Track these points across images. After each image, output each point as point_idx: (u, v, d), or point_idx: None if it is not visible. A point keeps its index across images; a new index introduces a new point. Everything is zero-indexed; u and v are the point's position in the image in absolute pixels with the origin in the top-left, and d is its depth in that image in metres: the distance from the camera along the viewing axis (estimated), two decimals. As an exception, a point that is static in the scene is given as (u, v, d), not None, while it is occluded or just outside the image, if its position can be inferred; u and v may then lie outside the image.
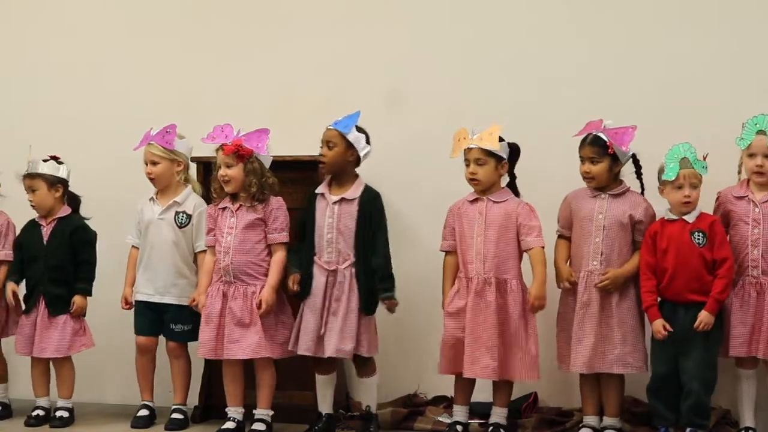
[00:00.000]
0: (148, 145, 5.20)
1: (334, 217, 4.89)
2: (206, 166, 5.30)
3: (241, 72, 5.77)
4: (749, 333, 4.67)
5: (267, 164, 4.97)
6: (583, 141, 4.86)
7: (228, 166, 4.91)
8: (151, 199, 5.28)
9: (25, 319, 5.28)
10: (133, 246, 5.33)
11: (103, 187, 5.52)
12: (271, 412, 5.02)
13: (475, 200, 4.92)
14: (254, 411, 5.00)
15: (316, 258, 4.91)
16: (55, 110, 5.95)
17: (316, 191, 4.96)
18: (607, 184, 4.87)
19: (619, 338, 4.76)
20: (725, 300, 4.65)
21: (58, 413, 5.27)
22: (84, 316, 5.28)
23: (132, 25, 5.93)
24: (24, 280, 5.36)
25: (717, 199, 4.84)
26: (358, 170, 4.98)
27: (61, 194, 5.31)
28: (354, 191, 4.91)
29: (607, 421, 4.88)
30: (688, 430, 4.66)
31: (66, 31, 6.03)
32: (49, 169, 5.27)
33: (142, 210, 5.30)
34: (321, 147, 4.91)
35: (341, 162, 4.90)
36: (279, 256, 4.95)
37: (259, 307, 4.87)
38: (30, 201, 5.28)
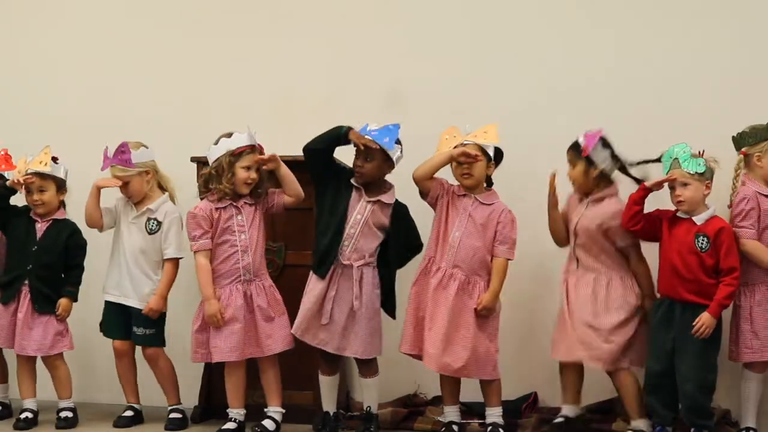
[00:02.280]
0: (111, 167, 5.18)
1: (364, 215, 4.88)
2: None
3: (242, 72, 5.77)
4: None
5: None
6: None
7: (257, 170, 4.93)
8: (128, 201, 5.27)
9: (3, 309, 5.22)
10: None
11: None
12: (283, 410, 5.01)
13: (463, 195, 4.93)
14: (266, 410, 5.00)
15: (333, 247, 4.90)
16: (53, 112, 5.94)
17: (353, 182, 4.92)
18: (589, 188, 4.89)
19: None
20: (727, 306, 4.64)
21: (62, 414, 5.25)
22: (66, 318, 5.25)
23: (132, 26, 5.92)
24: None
25: (746, 200, 4.73)
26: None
27: (63, 198, 5.32)
28: (390, 197, 4.93)
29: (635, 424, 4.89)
30: (692, 430, 4.68)
31: (65, 31, 6.02)
32: (60, 171, 5.27)
33: (120, 205, 5.28)
34: (357, 156, 4.89)
35: (377, 175, 4.91)
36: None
37: None
38: (35, 200, 5.21)
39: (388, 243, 4.95)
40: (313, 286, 4.88)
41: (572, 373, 4.98)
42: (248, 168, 4.91)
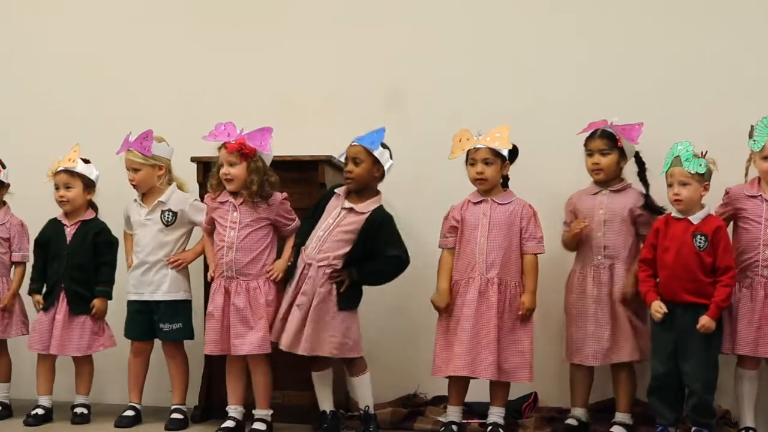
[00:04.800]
0: (127, 151, 5.24)
1: (335, 221, 4.88)
2: (206, 166, 5.29)
3: (242, 72, 5.77)
4: (755, 332, 4.68)
5: (268, 162, 4.98)
6: (592, 135, 4.96)
7: (231, 165, 4.92)
8: (135, 200, 5.31)
9: (43, 315, 5.29)
10: (127, 233, 5.38)
11: (101, 189, 5.51)
12: (271, 412, 5.02)
13: (479, 201, 4.93)
14: (253, 411, 5.00)
15: (302, 247, 4.91)
16: (54, 110, 5.96)
17: (336, 190, 4.95)
18: (612, 178, 4.94)
19: (627, 329, 4.84)
20: (727, 307, 4.65)
21: (78, 410, 5.31)
22: (104, 317, 5.33)
23: (132, 26, 5.93)
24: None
25: (726, 194, 4.84)
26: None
27: (91, 198, 5.38)
28: (366, 206, 4.88)
29: (619, 416, 4.94)
30: (693, 429, 4.68)
31: (67, 31, 6.03)
32: (88, 170, 5.32)
33: (128, 209, 5.35)
34: (346, 164, 4.89)
35: (368, 178, 4.88)
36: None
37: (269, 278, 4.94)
38: (61, 197, 5.29)
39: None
40: (287, 290, 4.93)
41: (585, 375, 4.98)
42: (222, 165, 4.95)
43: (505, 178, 4.98)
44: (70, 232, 5.32)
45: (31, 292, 5.40)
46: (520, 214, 4.89)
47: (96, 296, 5.29)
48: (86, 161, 5.33)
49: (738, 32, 5.25)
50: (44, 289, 5.36)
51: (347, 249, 4.84)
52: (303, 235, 4.95)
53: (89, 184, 5.34)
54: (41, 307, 5.33)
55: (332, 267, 4.83)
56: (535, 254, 4.89)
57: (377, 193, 4.94)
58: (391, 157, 4.91)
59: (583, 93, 5.35)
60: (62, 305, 5.26)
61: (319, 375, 4.98)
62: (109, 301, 5.34)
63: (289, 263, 4.91)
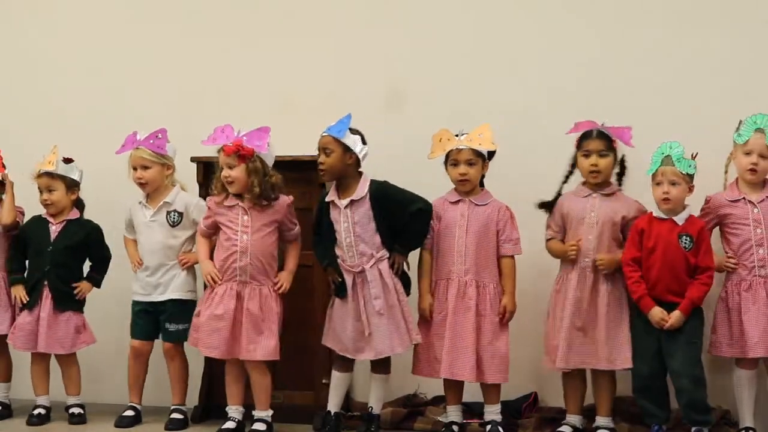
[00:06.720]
0: (136, 149, 5.21)
1: (349, 221, 4.87)
2: (206, 166, 5.31)
3: (242, 72, 5.78)
4: (763, 332, 4.68)
5: (270, 162, 4.97)
6: (588, 135, 4.89)
7: (230, 167, 4.90)
8: (140, 202, 5.30)
9: (27, 315, 5.27)
10: (128, 238, 5.38)
11: (101, 188, 5.52)
12: (271, 412, 5.01)
13: (457, 201, 4.93)
14: (254, 412, 5.00)
15: (340, 261, 4.89)
16: (54, 110, 5.95)
17: (327, 199, 4.93)
18: (604, 182, 4.90)
19: (604, 336, 4.82)
20: (699, 305, 4.67)
21: (73, 410, 5.33)
22: (84, 302, 5.33)
23: (132, 26, 5.93)
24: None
25: (707, 203, 4.83)
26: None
27: (76, 197, 5.36)
28: (361, 190, 4.87)
29: (600, 420, 4.92)
30: (693, 429, 4.69)
31: (66, 31, 6.03)
32: (69, 171, 5.31)
33: (131, 211, 5.33)
34: (318, 155, 4.89)
35: (340, 167, 4.87)
36: (296, 245, 5.04)
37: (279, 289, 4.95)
38: (45, 200, 5.30)
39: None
40: (339, 305, 4.89)
41: (578, 380, 4.97)
42: (222, 167, 4.94)
43: (481, 178, 4.97)
44: (54, 230, 5.31)
45: (13, 283, 5.35)
46: (497, 216, 4.89)
47: (85, 279, 5.31)
48: (67, 161, 5.31)
49: (738, 32, 5.25)
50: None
51: (378, 237, 4.85)
52: (328, 256, 4.91)
53: (72, 184, 5.33)
54: (24, 303, 5.28)
55: (383, 259, 4.84)
56: (512, 256, 4.89)
57: (359, 175, 4.91)
58: (364, 143, 4.88)
59: (584, 93, 5.35)
60: (46, 302, 5.24)
61: (342, 376, 4.98)
62: (104, 301, 5.37)
63: (338, 281, 4.88)
